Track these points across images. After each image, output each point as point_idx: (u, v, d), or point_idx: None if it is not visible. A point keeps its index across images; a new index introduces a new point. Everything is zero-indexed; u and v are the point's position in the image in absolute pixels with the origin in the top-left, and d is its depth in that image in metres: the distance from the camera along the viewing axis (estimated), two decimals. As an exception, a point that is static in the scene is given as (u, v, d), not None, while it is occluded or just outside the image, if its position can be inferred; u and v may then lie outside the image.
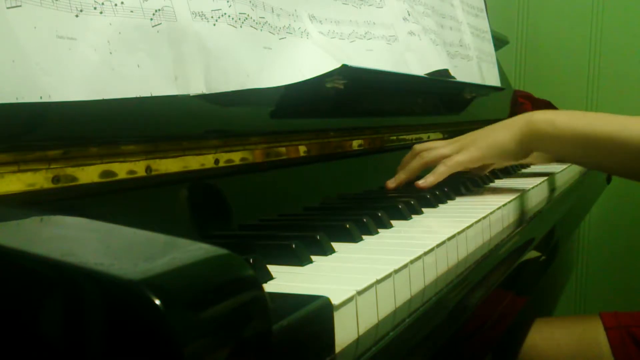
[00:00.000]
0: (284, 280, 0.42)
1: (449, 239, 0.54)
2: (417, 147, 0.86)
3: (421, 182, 0.80)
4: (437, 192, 0.77)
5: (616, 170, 0.91)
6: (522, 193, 0.83)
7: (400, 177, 0.84)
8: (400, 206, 0.66)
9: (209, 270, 0.27)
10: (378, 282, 0.41)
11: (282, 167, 0.70)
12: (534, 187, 0.89)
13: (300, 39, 0.69)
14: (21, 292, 0.27)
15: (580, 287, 1.90)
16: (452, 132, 1.19)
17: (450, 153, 0.83)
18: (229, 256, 0.28)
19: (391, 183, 0.84)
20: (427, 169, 0.85)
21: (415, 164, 0.84)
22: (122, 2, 0.48)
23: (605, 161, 0.82)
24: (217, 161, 0.59)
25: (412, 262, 0.46)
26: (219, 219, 0.59)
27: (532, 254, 0.73)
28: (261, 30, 0.63)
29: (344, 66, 0.68)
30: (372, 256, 0.49)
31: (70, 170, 0.45)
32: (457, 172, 0.94)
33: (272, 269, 0.43)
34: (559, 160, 0.91)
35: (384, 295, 0.41)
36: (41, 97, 0.40)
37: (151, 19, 0.50)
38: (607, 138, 0.78)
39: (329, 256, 0.49)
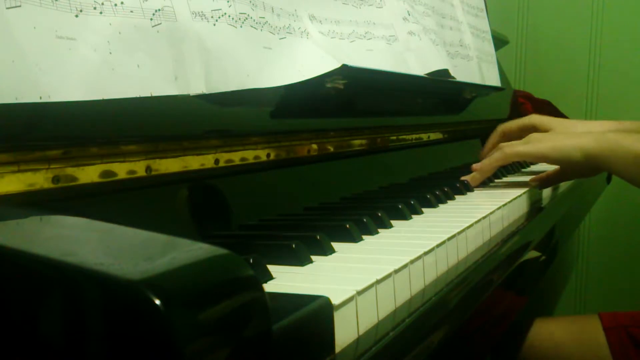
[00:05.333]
0: (284, 280, 0.42)
1: (449, 239, 0.54)
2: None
3: (475, 165, 0.87)
4: (437, 192, 0.77)
5: None
6: (523, 193, 0.83)
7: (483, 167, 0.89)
8: (400, 206, 0.66)
9: (209, 270, 0.27)
10: (378, 282, 0.41)
11: (282, 167, 0.70)
12: (534, 187, 0.89)
13: (300, 39, 0.69)
14: (21, 292, 0.27)
15: (580, 287, 1.90)
16: (452, 132, 1.19)
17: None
18: (229, 256, 0.28)
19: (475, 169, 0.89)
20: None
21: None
22: (122, 2, 0.48)
23: None
24: (217, 161, 0.59)
25: (412, 262, 0.46)
26: (219, 219, 0.59)
27: (532, 254, 0.73)
28: (261, 30, 0.63)
29: (344, 66, 0.68)
30: (372, 256, 0.49)
31: (70, 170, 0.45)
32: (458, 172, 0.95)
33: (272, 269, 0.43)
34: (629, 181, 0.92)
35: (384, 295, 0.41)
36: (41, 97, 0.40)
37: (151, 19, 0.50)
38: None
39: (329, 256, 0.49)
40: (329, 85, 0.71)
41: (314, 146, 0.75)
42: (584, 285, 1.90)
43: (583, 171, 0.87)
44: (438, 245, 0.52)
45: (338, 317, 0.35)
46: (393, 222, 0.62)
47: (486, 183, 0.95)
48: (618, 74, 1.80)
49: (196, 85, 0.53)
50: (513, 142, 0.87)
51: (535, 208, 0.86)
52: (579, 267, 1.90)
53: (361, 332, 0.38)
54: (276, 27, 0.65)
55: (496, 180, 1.00)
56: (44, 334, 0.26)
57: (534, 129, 1.01)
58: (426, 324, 0.43)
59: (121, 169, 0.49)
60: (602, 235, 1.86)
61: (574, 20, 1.85)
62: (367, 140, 0.89)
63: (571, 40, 1.85)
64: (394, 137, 0.97)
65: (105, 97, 0.45)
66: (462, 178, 0.88)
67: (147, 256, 0.28)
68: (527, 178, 1.00)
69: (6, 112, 0.39)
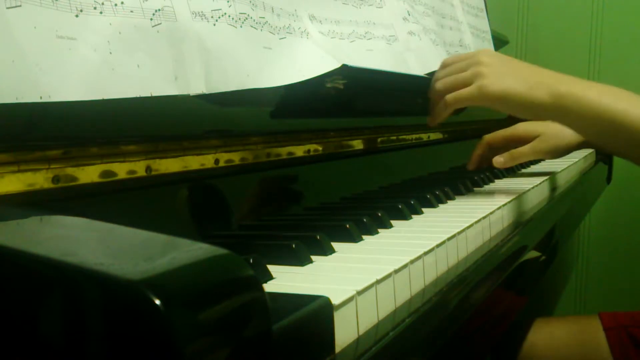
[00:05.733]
0: (284, 280, 0.42)
1: (449, 239, 0.54)
2: (443, 64, 0.83)
3: (429, 119, 0.82)
4: (437, 192, 0.77)
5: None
6: (523, 193, 0.83)
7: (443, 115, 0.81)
8: (400, 206, 0.66)
9: (209, 270, 0.27)
10: (378, 282, 0.41)
11: (282, 167, 0.70)
12: (534, 187, 0.89)
13: (300, 39, 0.69)
14: (21, 292, 0.27)
15: (580, 287, 1.90)
16: (452, 132, 1.19)
17: (467, 79, 0.77)
18: (229, 256, 0.28)
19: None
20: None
21: (431, 97, 0.82)
22: (122, 2, 0.48)
23: (628, 149, 0.75)
24: (217, 161, 0.59)
25: (412, 262, 0.46)
26: (219, 219, 0.59)
27: (532, 254, 0.73)
28: (261, 30, 0.63)
29: (344, 66, 0.68)
30: (372, 256, 0.49)
31: (70, 170, 0.45)
32: (458, 172, 0.95)
33: (272, 269, 0.43)
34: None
35: (384, 295, 0.41)
36: (41, 97, 0.40)
37: (151, 19, 0.50)
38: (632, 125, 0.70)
39: (329, 256, 0.49)
40: (329, 85, 0.71)
41: (314, 146, 0.75)
42: (584, 285, 1.90)
43: (527, 117, 0.83)
44: (438, 245, 0.52)
45: (338, 317, 0.35)
46: (393, 222, 0.62)
47: (486, 183, 0.95)
48: (618, 74, 1.80)
49: (196, 85, 0.53)
50: (461, 80, 0.78)
51: (535, 208, 0.86)
52: (579, 267, 1.90)
53: (361, 332, 0.38)
54: (276, 27, 0.65)
55: (496, 180, 1.00)
56: (44, 334, 0.26)
57: (519, 139, 1.01)
58: (426, 324, 0.43)
59: (121, 169, 0.49)
60: (602, 235, 1.86)
61: (574, 20, 1.85)
62: (367, 140, 0.89)
63: (571, 40, 1.85)
64: (394, 137, 0.97)
65: (105, 97, 0.45)
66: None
67: (147, 256, 0.28)
68: (526, 179, 1.00)
69: (6, 112, 0.39)
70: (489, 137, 1.02)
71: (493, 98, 0.75)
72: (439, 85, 0.80)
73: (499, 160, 0.96)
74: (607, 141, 0.77)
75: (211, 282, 0.26)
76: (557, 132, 0.99)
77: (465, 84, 0.77)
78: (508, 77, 0.75)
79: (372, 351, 0.36)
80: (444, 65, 0.83)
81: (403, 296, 0.44)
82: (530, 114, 0.76)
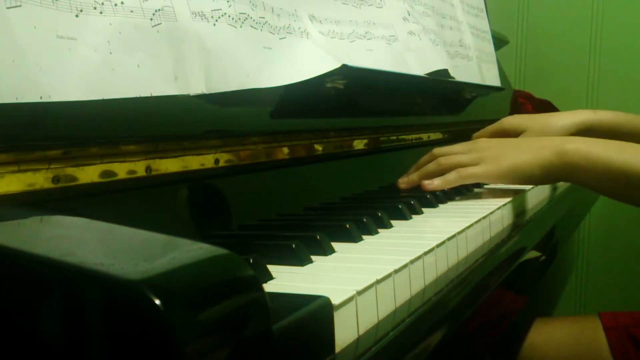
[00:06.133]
0: (284, 280, 0.42)
1: (449, 239, 0.54)
2: (436, 151, 0.85)
3: (427, 183, 0.79)
4: (437, 192, 0.77)
5: None
6: (523, 193, 0.83)
7: (413, 178, 0.83)
8: (400, 206, 0.66)
9: (209, 270, 0.27)
10: (378, 282, 0.41)
11: (282, 167, 0.70)
12: (534, 187, 0.89)
13: (300, 39, 0.69)
14: (21, 292, 0.27)
15: (580, 287, 1.90)
16: (452, 132, 1.19)
17: (469, 162, 0.80)
18: (229, 256, 0.28)
19: (403, 183, 0.84)
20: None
21: (431, 168, 0.82)
22: (122, 2, 0.48)
23: None
24: (217, 161, 0.59)
25: (412, 262, 0.46)
26: (219, 219, 0.59)
27: (532, 254, 0.73)
28: (261, 30, 0.63)
29: (344, 66, 0.68)
30: (372, 256, 0.49)
31: (70, 170, 0.45)
32: None
33: (272, 269, 0.43)
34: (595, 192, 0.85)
35: (384, 295, 0.41)
36: (41, 97, 0.40)
37: (151, 19, 0.50)
38: None
39: (329, 256, 0.49)
40: (329, 85, 0.71)
41: (314, 146, 0.75)
42: (584, 285, 1.90)
43: (542, 184, 0.88)
44: (438, 245, 0.52)
45: (338, 317, 0.35)
46: (393, 222, 0.62)
47: (485, 184, 0.95)
48: (618, 74, 1.80)
49: (196, 85, 0.53)
50: (467, 163, 0.79)
51: (535, 208, 0.86)
52: (579, 267, 1.90)
53: (361, 332, 0.38)
54: (276, 27, 0.65)
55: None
56: (44, 334, 0.26)
57: (505, 133, 1.00)
58: (426, 324, 0.43)
59: (121, 169, 0.49)
60: (602, 235, 1.86)
61: (574, 20, 1.84)
62: (367, 140, 0.89)
63: (571, 40, 1.85)
64: (394, 137, 0.97)
65: (105, 97, 0.45)
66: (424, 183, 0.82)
67: (147, 256, 0.28)
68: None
69: (6, 112, 0.39)
70: (477, 135, 1.02)
71: (503, 175, 0.78)
72: (444, 161, 0.81)
73: None
74: (622, 194, 0.76)
75: (211, 282, 0.26)
76: (543, 126, 0.98)
77: (471, 164, 0.79)
78: (511, 153, 0.78)
79: (372, 351, 0.36)
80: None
81: (403, 296, 0.44)
82: (542, 178, 0.77)
